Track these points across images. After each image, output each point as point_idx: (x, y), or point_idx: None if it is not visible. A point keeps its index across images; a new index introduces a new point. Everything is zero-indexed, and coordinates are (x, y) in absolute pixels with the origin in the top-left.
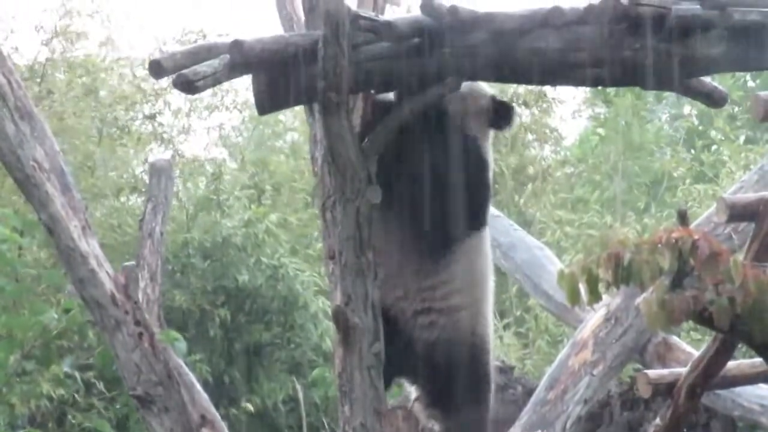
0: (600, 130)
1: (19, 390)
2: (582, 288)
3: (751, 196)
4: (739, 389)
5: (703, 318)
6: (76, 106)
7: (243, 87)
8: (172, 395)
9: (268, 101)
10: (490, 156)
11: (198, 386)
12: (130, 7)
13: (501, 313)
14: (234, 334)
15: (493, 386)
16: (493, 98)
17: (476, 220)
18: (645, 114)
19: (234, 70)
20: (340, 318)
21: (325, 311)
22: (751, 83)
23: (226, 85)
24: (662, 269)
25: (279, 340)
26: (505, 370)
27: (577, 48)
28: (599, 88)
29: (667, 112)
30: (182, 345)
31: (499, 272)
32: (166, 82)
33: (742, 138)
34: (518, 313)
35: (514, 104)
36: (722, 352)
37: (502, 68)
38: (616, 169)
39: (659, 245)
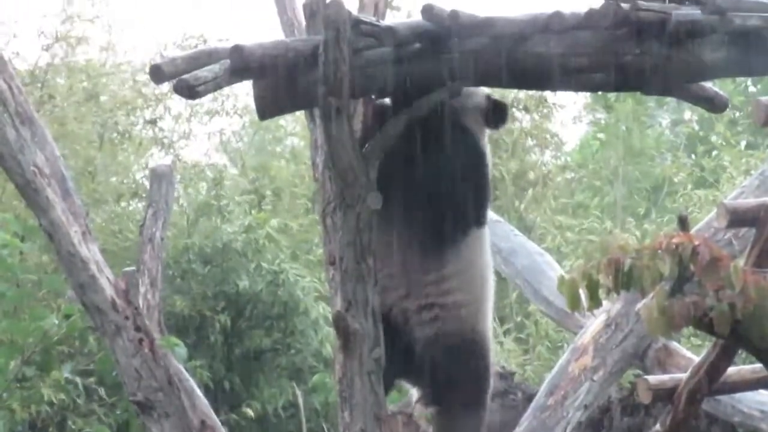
0: (600, 136)
1: (19, 395)
2: (582, 294)
3: (751, 201)
4: (739, 395)
5: (704, 324)
6: (77, 111)
7: (243, 92)
8: (173, 401)
9: (269, 106)
10: (489, 153)
11: (198, 392)
12: (130, 12)
13: (501, 319)
14: (234, 340)
15: (492, 381)
16: (488, 97)
17: (476, 215)
18: (645, 119)
19: (235, 75)
20: (340, 324)
21: (326, 317)
22: (752, 88)
23: (226, 90)
24: (663, 275)
25: (279, 346)
26: (506, 375)
27: (578, 53)
28: (600, 93)
29: (668, 117)
30: (182, 350)
31: (500, 278)
32: (166, 87)
33: (743, 143)
34: (518, 319)
35: (507, 103)
36: (723, 358)
37: (503, 73)
38: (616, 174)
39: (660, 251)
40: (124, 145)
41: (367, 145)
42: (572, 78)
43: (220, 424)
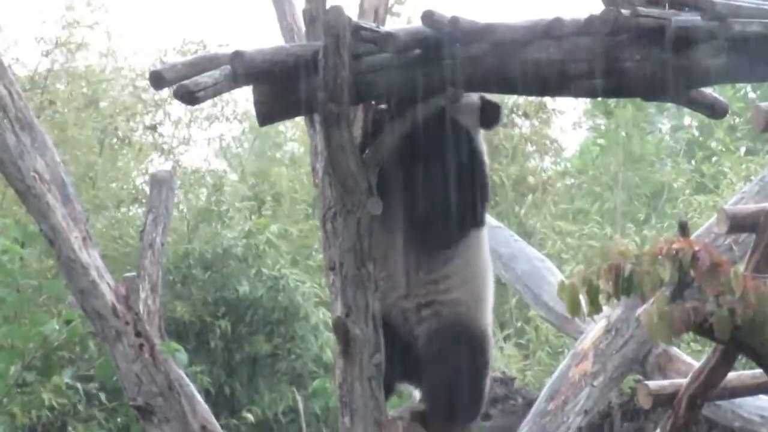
0: (600, 141)
1: (20, 400)
2: (582, 299)
3: (751, 207)
4: (739, 400)
5: (704, 329)
6: (77, 117)
7: (243, 98)
8: (173, 406)
9: (269, 112)
10: (485, 152)
11: (198, 397)
12: (130, 17)
13: (501, 324)
14: (234, 345)
15: (488, 379)
16: (481, 97)
17: (475, 214)
18: (645, 125)
19: (235, 80)
20: (340, 329)
21: (326, 322)
22: (751, 94)
23: (226, 95)
24: (663, 280)
25: (280, 351)
26: (506, 381)
27: (578, 59)
28: (600, 99)
29: (668, 123)
30: (183, 356)
31: (500, 283)
32: (166, 92)
33: (742, 149)
34: (519, 324)
35: (500, 103)
36: (723, 363)
37: (502, 79)
38: (616, 180)
39: (660, 256)
40: (124, 150)
41: (367, 151)
42: (572, 84)
43: (220, 429)
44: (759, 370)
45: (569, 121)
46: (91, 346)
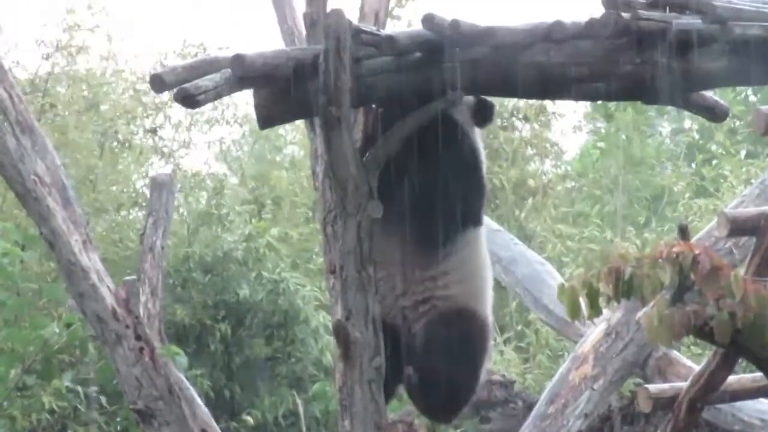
0: (601, 145)
1: (20, 404)
2: (582, 302)
3: (751, 210)
4: (739, 404)
5: (704, 332)
6: (77, 120)
7: (243, 101)
8: (173, 409)
9: (270, 115)
10: (482, 150)
11: (199, 400)
12: (130, 21)
13: (501, 328)
14: (235, 349)
15: (486, 363)
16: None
17: (473, 212)
18: (646, 128)
19: (235, 84)
20: (340, 332)
21: (326, 326)
22: (752, 97)
23: (226, 99)
24: (663, 284)
25: (280, 355)
26: (506, 384)
27: (579, 62)
28: (600, 102)
29: (668, 126)
30: (183, 359)
31: (500, 287)
32: (166, 95)
33: (743, 152)
34: (519, 328)
35: (493, 102)
36: (723, 367)
37: (503, 82)
38: (616, 183)
39: (660, 260)
40: (124, 154)
41: (367, 154)
42: (573, 87)
43: None
44: (759, 374)
45: (569, 124)
46: (91, 349)
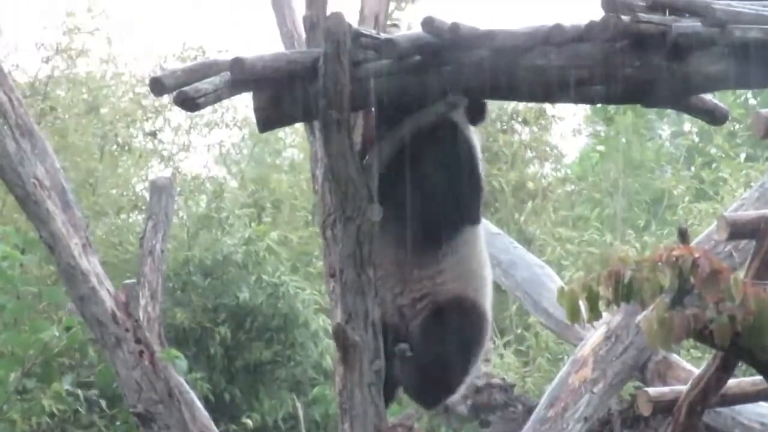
0: (600, 148)
1: (20, 407)
2: (582, 306)
3: (751, 213)
4: (739, 407)
5: (704, 336)
6: (77, 124)
7: (243, 104)
8: (173, 413)
9: (269, 119)
10: (479, 148)
11: (198, 404)
12: (130, 21)
13: (501, 331)
14: (234, 352)
15: (481, 356)
16: None
17: (471, 210)
18: (645, 132)
19: (235, 87)
20: (340, 336)
21: (326, 329)
22: (752, 100)
23: (225, 102)
24: (663, 287)
25: (279, 358)
26: (506, 387)
27: (578, 65)
28: (600, 105)
29: (668, 129)
30: (183, 363)
31: (500, 290)
32: (166, 98)
33: (742, 155)
34: (518, 331)
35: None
36: (723, 370)
37: (503, 86)
38: (616, 186)
39: (660, 263)
40: (124, 157)
41: (367, 158)
42: (572, 90)
43: None
44: (759, 377)
45: (569, 127)
46: (91, 352)
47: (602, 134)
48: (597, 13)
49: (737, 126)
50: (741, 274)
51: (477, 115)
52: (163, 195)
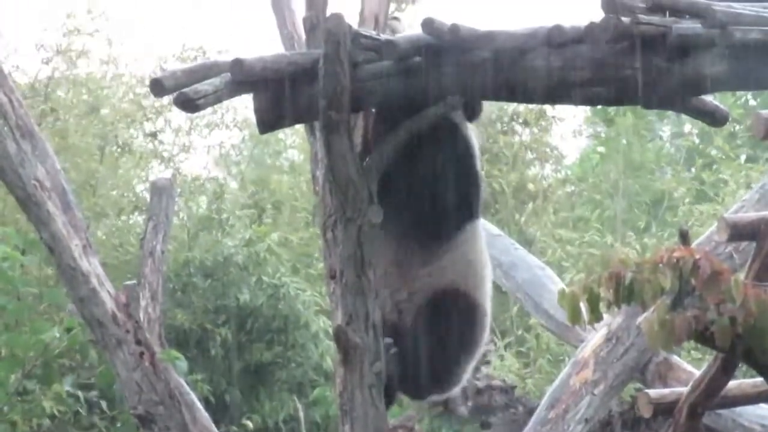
0: (601, 149)
1: (20, 408)
2: (583, 307)
3: (752, 215)
4: (740, 409)
5: (705, 337)
6: (78, 125)
7: (243, 105)
8: (173, 414)
9: (269, 120)
10: (477, 145)
11: (199, 405)
12: (130, 21)
13: (502, 333)
14: (235, 353)
15: (480, 352)
16: None
17: (470, 207)
18: (645, 133)
19: (235, 88)
20: (341, 337)
21: (326, 330)
22: (752, 102)
23: (226, 103)
24: (663, 289)
25: (280, 360)
26: (506, 389)
27: (578, 67)
28: (600, 106)
29: (668, 130)
30: (183, 364)
31: (500, 291)
32: (166, 99)
33: (742, 157)
34: (519, 333)
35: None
36: (723, 372)
37: (503, 87)
38: (616, 188)
39: (660, 264)
40: (124, 158)
41: (367, 159)
42: (572, 91)
43: None
44: (760, 379)
45: (569, 128)
46: (92, 354)
47: (602, 135)
48: (597, 15)
49: (737, 127)
50: (741, 275)
51: (474, 111)
52: (164, 196)
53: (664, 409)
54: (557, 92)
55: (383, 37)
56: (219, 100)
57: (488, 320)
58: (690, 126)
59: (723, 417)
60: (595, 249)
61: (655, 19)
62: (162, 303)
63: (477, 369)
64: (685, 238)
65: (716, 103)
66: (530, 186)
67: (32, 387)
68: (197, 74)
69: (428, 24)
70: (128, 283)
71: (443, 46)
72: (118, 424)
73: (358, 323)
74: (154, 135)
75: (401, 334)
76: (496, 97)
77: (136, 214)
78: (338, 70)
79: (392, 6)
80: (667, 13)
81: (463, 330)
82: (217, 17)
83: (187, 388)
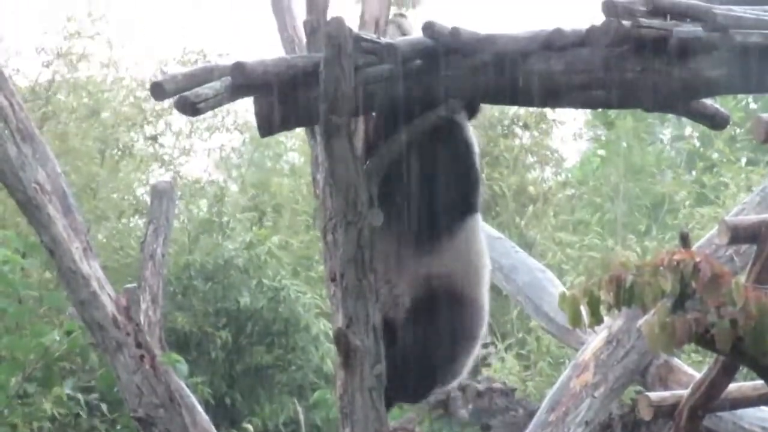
0: (601, 152)
1: (21, 412)
2: (583, 310)
3: (752, 218)
4: (740, 411)
5: (705, 340)
6: (78, 128)
7: (243, 108)
8: (174, 417)
9: (270, 123)
10: (475, 142)
11: (199, 408)
12: (130, 22)
13: (503, 335)
14: (235, 356)
15: (477, 349)
16: None
17: (469, 204)
18: (646, 136)
19: (236, 92)
20: (341, 340)
21: (327, 333)
22: (752, 105)
23: (226, 106)
24: (664, 291)
25: (280, 362)
26: (507, 392)
27: (579, 70)
28: (601, 110)
29: (669, 133)
30: (183, 367)
31: (501, 294)
32: (167, 102)
33: (743, 160)
34: (520, 335)
35: None
36: (724, 375)
37: (504, 90)
38: (617, 191)
39: (661, 267)
40: (125, 161)
41: (368, 162)
42: (573, 95)
43: None
44: (760, 381)
45: (570, 131)
46: (92, 357)
47: (603, 138)
48: (598, 18)
49: (738, 130)
50: (742, 278)
51: (473, 108)
52: (164, 199)
53: (665, 412)
54: (558, 95)
55: (384, 40)
56: (219, 104)
57: (485, 314)
58: (690, 129)
59: (723, 419)
60: (596, 252)
61: (656, 22)
62: (162, 306)
63: (478, 371)
64: (685, 241)
65: (717, 106)
66: (531, 189)
67: (33, 390)
68: (198, 78)
69: (429, 27)
70: (129, 286)
71: (444, 50)
72: (119, 427)
73: (359, 326)
74: (154, 138)
75: (398, 328)
76: (497, 101)
77: (137, 217)
78: (339, 74)
79: (393, 10)
80: (668, 16)
81: (459, 323)
82: (218, 20)
83: (187, 391)
